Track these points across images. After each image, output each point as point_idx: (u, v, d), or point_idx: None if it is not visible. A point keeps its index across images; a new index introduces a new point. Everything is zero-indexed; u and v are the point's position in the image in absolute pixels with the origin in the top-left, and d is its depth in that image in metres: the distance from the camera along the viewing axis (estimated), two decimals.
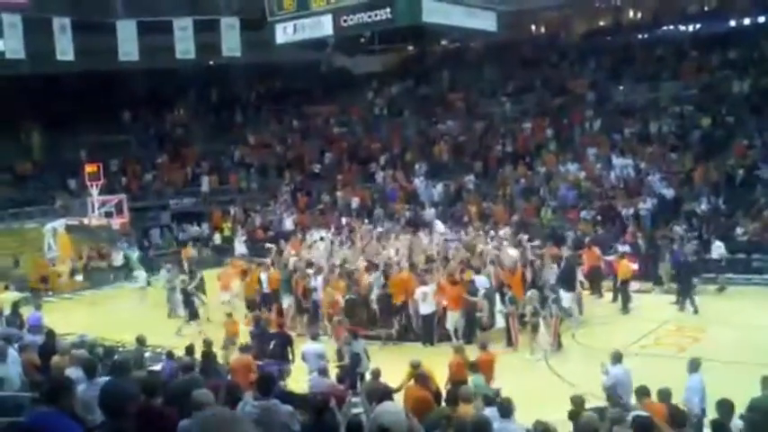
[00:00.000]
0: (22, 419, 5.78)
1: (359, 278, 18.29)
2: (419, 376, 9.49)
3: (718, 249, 21.51)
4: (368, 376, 11.30)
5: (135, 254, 29.58)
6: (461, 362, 11.42)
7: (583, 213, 26.20)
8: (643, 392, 9.15)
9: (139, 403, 6.44)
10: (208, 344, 11.95)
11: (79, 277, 28.08)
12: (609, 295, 20.17)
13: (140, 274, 24.97)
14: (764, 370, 12.70)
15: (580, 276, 18.88)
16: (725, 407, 8.09)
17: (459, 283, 16.97)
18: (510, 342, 16.28)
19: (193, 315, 19.85)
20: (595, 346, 15.94)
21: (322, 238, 23.65)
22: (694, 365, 10.14)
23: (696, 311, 18.58)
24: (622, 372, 10.66)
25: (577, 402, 8.87)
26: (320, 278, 18.53)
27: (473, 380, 10.35)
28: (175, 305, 21.55)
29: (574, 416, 8.17)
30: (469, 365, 11.16)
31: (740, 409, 8.38)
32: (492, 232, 22.54)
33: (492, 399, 8.91)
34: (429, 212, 29.17)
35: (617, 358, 10.94)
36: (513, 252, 19.02)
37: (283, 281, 19.11)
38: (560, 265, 18.59)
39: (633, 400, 9.76)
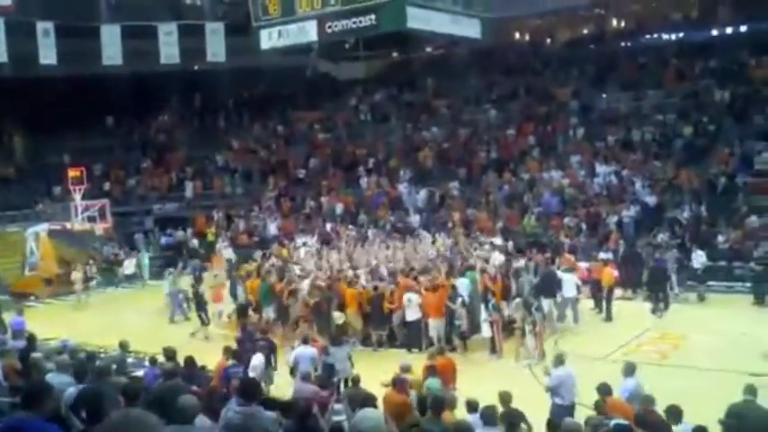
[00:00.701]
0: None
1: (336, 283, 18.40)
2: (396, 381, 9.50)
3: (699, 258, 21.52)
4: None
5: (146, 260, 29.47)
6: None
7: (566, 220, 26.28)
8: (604, 392, 9.29)
9: (119, 409, 6.42)
10: (172, 351, 11.72)
11: (94, 282, 27.40)
12: (590, 302, 20.20)
13: (167, 280, 23.90)
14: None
15: (578, 281, 18.97)
16: (673, 412, 8.29)
17: (440, 291, 17.03)
18: (494, 349, 16.32)
19: (205, 320, 19.77)
20: (578, 353, 16.00)
21: (305, 244, 23.62)
22: (629, 370, 10.39)
23: (655, 313, 19.25)
24: (565, 374, 10.90)
25: (505, 398, 9.05)
26: (306, 283, 18.53)
27: (429, 383, 10.42)
28: (175, 307, 21.48)
29: (505, 417, 8.30)
30: (427, 369, 11.23)
31: (719, 414, 8.46)
32: (480, 239, 22.70)
33: (476, 405, 8.96)
34: (414, 219, 29.20)
35: (559, 360, 11.23)
36: (499, 258, 19.14)
37: (265, 289, 19.07)
38: (537, 272, 18.78)
39: (576, 400, 10.41)
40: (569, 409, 10.31)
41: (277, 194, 34.39)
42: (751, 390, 8.70)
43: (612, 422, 7.89)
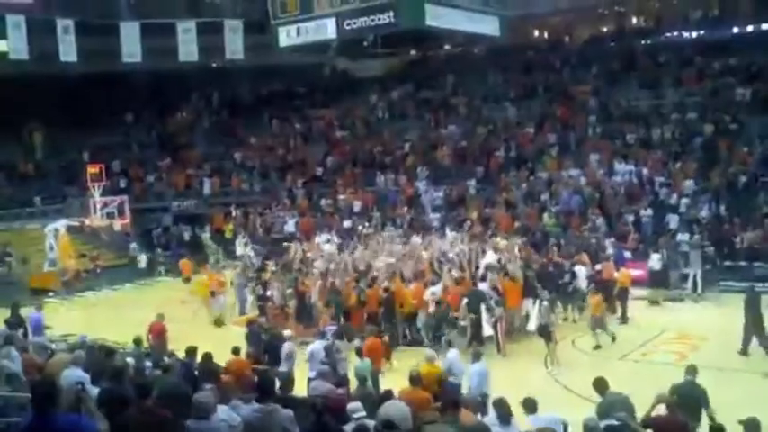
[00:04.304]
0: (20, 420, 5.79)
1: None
2: (411, 377, 9.50)
3: (653, 260, 21.11)
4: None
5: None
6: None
7: (583, 219, 26.13)
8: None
9: (136, 406, 6.46)
10: (192, 348, 11.74)
11: None
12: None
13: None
14: (759, 377, 12.74)
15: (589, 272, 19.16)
16: (528, 403, 8.82)
17: (462, 284, 17.08)
18: (499, 348, 16.22)
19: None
20: (597, 353, 15.95)
21: (329, 241, 23.65)
22: (477, 356, 11.68)
23: None
24: (454, 356, 12.16)
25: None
26: (319, 283, 18.56)
27: (358, 365, 11.41)
28: (243, 301, 21.17)
29: None
30: (356, 351, 12.26)
31: (737, 414, 8.30)
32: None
33: (496, 402, 8.95)
34: (432, 216, 29.16)
35: (448, 345, 13.63)
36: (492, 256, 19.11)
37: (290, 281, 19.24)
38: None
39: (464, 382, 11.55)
40: (460, 387, 11.48)
41: (295, 192, 34.42)
42: (692, 370, 9.77)
43: (603, 423, 7.86)
